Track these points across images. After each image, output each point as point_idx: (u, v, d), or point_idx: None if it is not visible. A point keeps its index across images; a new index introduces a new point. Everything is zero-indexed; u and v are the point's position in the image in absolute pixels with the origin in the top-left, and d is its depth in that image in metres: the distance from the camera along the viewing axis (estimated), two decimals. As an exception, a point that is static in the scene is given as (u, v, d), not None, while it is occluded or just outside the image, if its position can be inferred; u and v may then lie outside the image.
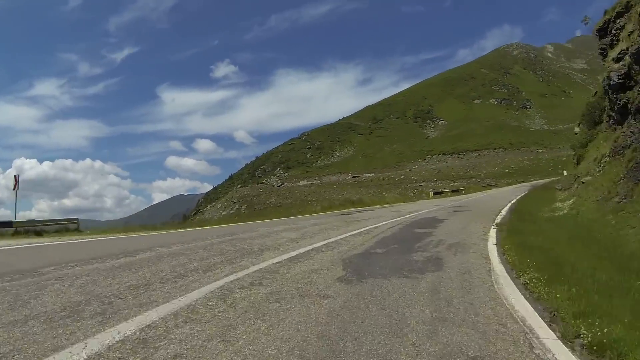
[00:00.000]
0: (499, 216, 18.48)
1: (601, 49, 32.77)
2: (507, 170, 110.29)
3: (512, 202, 27.58)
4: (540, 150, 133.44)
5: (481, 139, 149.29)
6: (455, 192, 59.19)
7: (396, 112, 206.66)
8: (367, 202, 35.41)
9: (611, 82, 26.01)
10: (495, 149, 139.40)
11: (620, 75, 25.47)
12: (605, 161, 21.14)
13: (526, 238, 11.44)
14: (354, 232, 13.90)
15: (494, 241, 11.61)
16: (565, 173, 54.85)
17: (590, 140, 44.04)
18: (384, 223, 16.61)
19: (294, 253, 9.79)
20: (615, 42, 30.11)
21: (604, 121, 33.35)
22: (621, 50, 26.77)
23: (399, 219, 18.49)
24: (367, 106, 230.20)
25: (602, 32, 32.76)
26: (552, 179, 76.59)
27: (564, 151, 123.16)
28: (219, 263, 8.68)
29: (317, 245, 11.06)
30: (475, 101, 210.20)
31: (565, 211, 17.96)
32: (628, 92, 25.47)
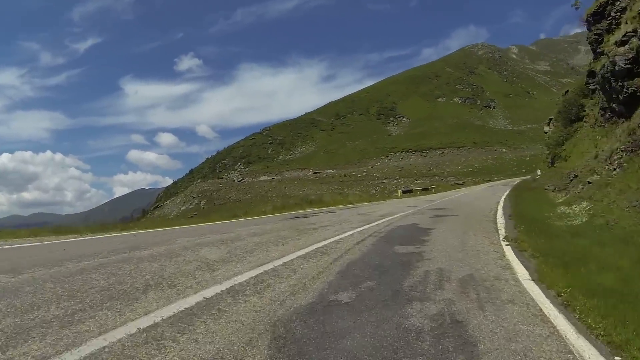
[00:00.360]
0: (498, 224, 14.25)
1: (596, 34, 29.29)
2: (470, 169, 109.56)
3: (500, 204, 23.45)
4: (504, 150, 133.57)
5: (445, 137, 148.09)
6: (425, 190, 55.17)
7: (359, 109, 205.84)
8: (327, 201, 30.51)
9: (616, 68, 22.22)
10: (458, 147, 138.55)
11: (628, 60, 21.82)
12: (620, 158, 17.24)
13: (580, 270, 7.20)
14: (306, 249, 9.44)
15: (526, 273, 7.31)
16: (539, 172, 51.94)
17: (567, 139, 40.93)
18: (349, 233, 12.14)
19: (193, 300, 5.43)
20: (615, 25, 26.68)
21: (594, 116, 29.86)
22: (626, 33, 23.13)
23: (368, 226, 14.02)
24: (330, 102, 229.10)
25: (597, 16, 29.31)
26: (522, 178, 74.53)
27: (528, 151, 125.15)
28: (38, 326, 4.47)
29: (241, 279, 6.60)
30: (439, 99, 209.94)
31: (584, 219, 13.86)
32: (636, 79, 21.97)
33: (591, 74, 39.25)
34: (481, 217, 16.83)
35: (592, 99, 37.44)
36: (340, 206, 27.83)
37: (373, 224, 14.56)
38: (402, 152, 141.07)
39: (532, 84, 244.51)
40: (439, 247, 9.74)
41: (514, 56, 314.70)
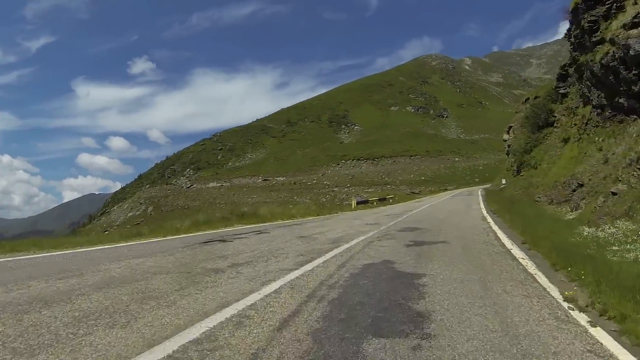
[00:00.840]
0: (520, 260, 8.93)
1: (590, 22, 24.90)
2: (423, 178, 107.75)
3: (488, 220, 18.53)
4: (457, 159, 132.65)
5: (397, 145, 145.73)
6: (383, 200, 49.41)
7: (311, 116, 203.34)
8: (264, 215, 23.98)
9: (630, 52, 17.65)
10: (411, 156, 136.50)
11: (647, 43, 17.49)
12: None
13: None
14: (158, 351, 3.98)
15: None
16: (504, 181, 48.67)
17: (536, 145, 37.23)
18: (273, 288, 6.48)
19: None
20: (615, 9, 22.37)
21: (586, 116, 25.47)
22: (637, 13, 18.80)
23: (310, 267, 8.34)
24: (282, 109, 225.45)
25: (591, 1, 25.03)
26: (481, 186, 71.76)
27: (481, 160, 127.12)
28: None
29: None
30: (392, 108, 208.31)
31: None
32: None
33: (562, 77, 35.81)
34: (483, 245, 11.39)
35: (562, 104, 34.72)
36: (280, 222, 21.87)
37: (319, 262, 8.91)
38: (353, 160, 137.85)
39: (484, 95, 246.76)
40: (464, 344, 4.31)
41: (467, 67, 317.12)
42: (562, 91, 35.69)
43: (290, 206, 38.91)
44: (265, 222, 21.54)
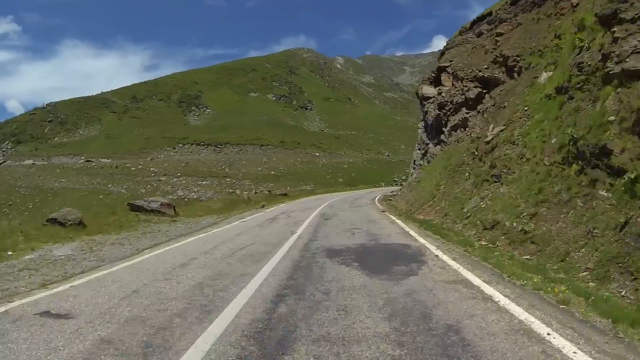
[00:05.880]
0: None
1: None
2: (273, 173, 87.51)
3: None
4: (318, 154, 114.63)
5: (248, 132, 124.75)
6: None
7: (161, 94, 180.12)
8: None
9: None
10: (262, 145, 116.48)
11: None
12: None
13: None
14: None
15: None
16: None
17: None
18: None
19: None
20: None
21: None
22: None
23: None
24: (133, 84, 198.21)
25: None
26: (361, 191, 52.07)
27: (345, 158, 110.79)
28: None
29: None
30: (252, 94, 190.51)
31: None
32: None
33: None
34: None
35: None
36: None
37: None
38: (193, 144, 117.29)
39: (354, 93, 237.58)
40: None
41: (339, 66, 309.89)
42: None
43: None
44: None
